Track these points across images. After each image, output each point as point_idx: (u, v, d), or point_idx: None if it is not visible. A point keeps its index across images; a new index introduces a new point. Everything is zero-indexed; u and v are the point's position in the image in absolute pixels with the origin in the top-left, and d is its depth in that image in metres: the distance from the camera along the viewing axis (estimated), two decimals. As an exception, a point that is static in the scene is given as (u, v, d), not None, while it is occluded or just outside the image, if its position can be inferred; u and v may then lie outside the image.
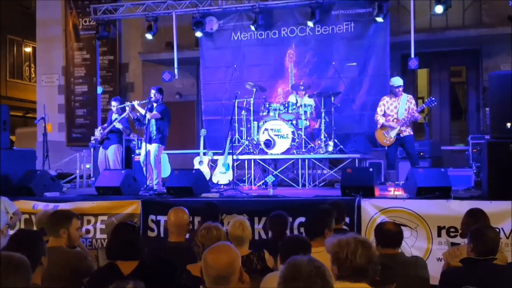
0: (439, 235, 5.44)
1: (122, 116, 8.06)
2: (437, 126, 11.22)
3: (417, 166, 7.06)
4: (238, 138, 8.92)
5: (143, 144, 7.76)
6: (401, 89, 7.48)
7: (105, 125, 8.44)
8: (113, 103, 8.27)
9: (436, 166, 8.41)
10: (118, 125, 8.05)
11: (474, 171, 7.54)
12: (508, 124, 5.80)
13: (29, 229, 3.54)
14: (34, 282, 2.37)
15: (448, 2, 8.65)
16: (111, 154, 8.12)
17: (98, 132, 8.34)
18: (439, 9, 8.78)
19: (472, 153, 7.98)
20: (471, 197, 5.94)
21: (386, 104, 7.52)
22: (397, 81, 7.54)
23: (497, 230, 3.67)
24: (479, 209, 4.12)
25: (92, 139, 8.79)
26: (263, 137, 8.31)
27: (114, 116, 8.19)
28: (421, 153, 8.59)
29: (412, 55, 8.70)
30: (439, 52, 11.07)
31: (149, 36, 10.16)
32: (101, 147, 8.22)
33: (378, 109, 7.56)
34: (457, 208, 5.28)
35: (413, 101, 7.52)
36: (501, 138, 5.82)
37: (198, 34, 10.03)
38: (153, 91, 7.77)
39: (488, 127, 6.45)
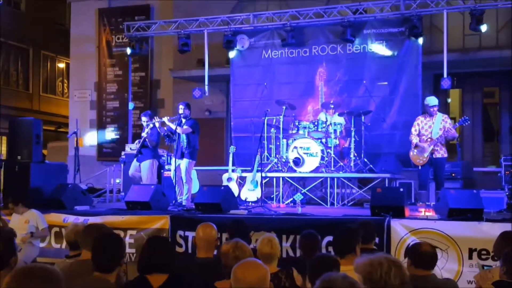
0: (470, 257, 5.32)
1: (150, 127, 8.08)
2: (469, 147, 11.01)
3: (446, 188, 6.92)
4: (267, 155, 8.93)
5: (173, 159, 7.83)
6: (435, 108, 7.36)
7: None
8: (143, 118, 8.30)
9: (468, 187, 8.24)
10: (144, 134, 8.07)
11: (507, 193, 7.35)
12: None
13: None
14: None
15: (480, 23, 8.55)
16: (145, 168, 8.05)
17: (135, 146, 8.39)
18: (484, 27, 8.66)
19: (504, 175, 7.79)
20: (504, 219, 5.79)
21: (420, 124, 7.42)
22: (432, 100, 7.43)
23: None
24: (512, 232, 4.02)
25: (122, 154, 8.95)
26: (292, 155, 8.30)
27: (146, 130, 8.23)
28: (453, 174, 8.42)
29: (445, 75, 8.61)
30: (472, 73, 10.93)
31: (180, 53, 10.34)
32: (135, 160, 8.19)
33: (413, 129, 7.47)
34: (489, 231, 5.19)
35: (449, 120, 7.39)
36: (536, 160, 5.68)
37: (232, 54, 10.14)
38: (181, 107, 7.87)
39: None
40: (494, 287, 3.23)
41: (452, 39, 9.27)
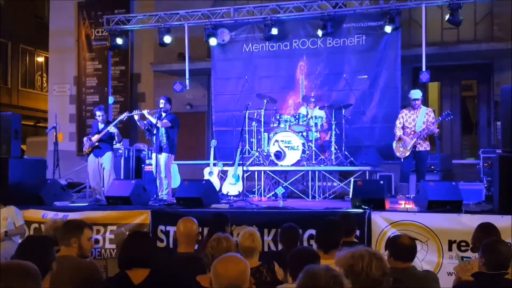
0: (449, 249, 5.40)
1: (119, 119, 7.86)
2: (448, 140, 11.17)
3: (426, 180, 7.01)
4: (248, 149, 8.94)
5: (153, 154, 7.77)
6: (418, 102, 7.42)
7: (90, 135, 8.00)
8: (98, 113, 7.91)
9: (447, 179, 8.36)
10: (113, 129, 7.73)
11: (485, 185, 7.49)
12: (520, 138, 5.76)
13: (40, 235, 3.55)
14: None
15: (457, 17, 8.63)
16: (107, 162, 7.75)
17: (86, 142, 7.86)
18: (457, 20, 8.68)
19: (483, 167, 7.92)
20: (482, 211, 5.90)
21: (404, 117, 7.48)
22: (415, 94, 7.49)
23: (509, 244, 3.63)
24: (490, 224, 4.10)
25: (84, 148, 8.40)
26: (273, 149, 8.32)
27: (101, 125, 7.87)
28: (432, 167, 8.53)
29: (424, 69, 8.69)
30: (451, 66, 11.06)
31: (161, 46, 10.25)
32: (92, 155, 7.81)
33: (397, 122, 7.53)
34: (468, 222, 5.25)
35: (432, 114, 7.45)
36: (513, 152, 5.78)
37: (212, 41, 9.93)
38: (162, 101, 7.80)
39: (499, 141, 6.41)
40: (473, 278, 3.28)
41: (430, 33, 9.36)
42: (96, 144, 7.76)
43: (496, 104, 10.12)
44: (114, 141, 7.94)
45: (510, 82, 9.76)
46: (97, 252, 6.26)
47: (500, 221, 4.83)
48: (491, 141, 10.42)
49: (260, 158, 8.69)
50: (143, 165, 8.75)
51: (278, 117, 8.65)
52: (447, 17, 8.77)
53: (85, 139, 7.94)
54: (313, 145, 8.45)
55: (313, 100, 8.90)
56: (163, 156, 7.65)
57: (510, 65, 10.45)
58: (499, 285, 3.15)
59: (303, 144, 8.26)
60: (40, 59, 20.00)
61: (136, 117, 7.89)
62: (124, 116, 7.88)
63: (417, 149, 7.33)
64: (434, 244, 5.43)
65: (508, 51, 10.17)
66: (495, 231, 3.96)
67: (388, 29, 9.04)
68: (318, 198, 8.29)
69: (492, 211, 5.83)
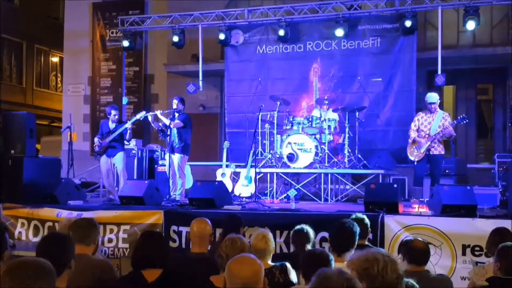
0: (463, 253, 5.35)
1: (136, 118, 7.87)
2: (462, 144, 11.06)
3: (440, 184, 6.95)
4: (261, 151, 8.93)
5: (167, 154, 7.79)
6: (434, 105, 7.33)
7: (98, 135, 7.98)
8: (113, 112, 7.88)
9: (462, 184, 8.27)
10: (129, 125, 7.74)
11: (500, 189, 7.40)
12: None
13: (60, 233, 3.57)
14: (59, 286, 2.40)
15: (478, 19, 8.56)
16: (120, 161, 7.77)
17: (97, 142, 7.85)
18: (470, 25, 8.64)
19: (498, 172, 7.83)
20: (497, 216, 5.83)
21: (420, 120, 7.42)
22: (431, 97, 7.39)
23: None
24: (505, 228, 4.07)
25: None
26: (286, 151, 8.30)
27: (112, 125, 7.87)
28: (447, 171, 8.45)
29: (439, 72, 8.62)
30: (466, 69, 10.96)
31: (175, 47, 10.30)
32: (104, 156, 7.82)
33: (412, 124, 7.47)
34: (482, 227, 5.20)
35: (449, 119, 7.35)
36: (529, 156, 5.71)
37: (222, 36, 9.89)
38: (175, 101, 7.82)
39: (515, 145, 6.35)
40: (488, 283, 3.25)
41: (446, 36, 9.29)
42: (109, 144, 7.78)
43: (511, 108, 10.00)
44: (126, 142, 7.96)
45: (526, 86, 9.68)
46: (110, 251, 6.29)
47: (515, 226, 4.75)
48: (507, 145, 10.30)
49: (272, 160, 8.68)
50: (156, 166, 8.79)
51: (291, 119, 8.63)
52: (463, 21, 8.70)
53: (96, 139, 7.94)
54: (326, 148, 8.42)
55: (326, 102, 8.87)
56: (176, 157, 7.67)
57: (527, 69, 10.36)
58: (514, 291, 3.11)
59: (316, 146, 8.24)
60: (55, 59, 20.22)
61: (150, 118, 7.91)
62: (142, 115, 7.89)
63: (431, 153, 7.26)
64: (448, 249, 5.38)
65: (525, 54, 10.07)
66: (509, 236, 3.92)
67: (403, 31, 8.99)
68: (330, 201, 8.25)
69: (506, 216, 5.75)
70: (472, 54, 10.38)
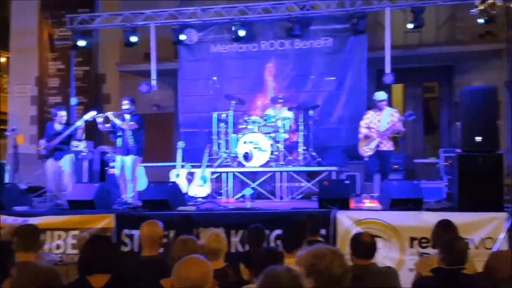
0: (411, 246, 5.56)
1: (86, 118, 7.60)
2: (410, 140, 11.43)
3: (389, 179, 7.17)
4: (216, 150, 8.91)
5: (118, 156, 7.61)
6: (383, 103, 7.56)
7: (44, 138, 7.71)
8: (60, 113, 7.64)
9: (410, 178, 8.56)
10: (81, 123, 7.46)
11: (446, 183, 7.69)
12: (478, 138, 5.97)
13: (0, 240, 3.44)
14: None
15: (420, 20, 8.87)
16: (67, 164, 7.49)
17: (43, 144, 7.53)
18: (414, 26, 8.98)
19: (443, 166, 8.14)
20: (442, 208, 6.09)
21: (370, 118, 7.61)
22: (379, 95, 7.63)
23: (467, 241, 3.76)
24: (448, 220, 4.22)
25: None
26: (241, 150, 8.32)
27: (59, 127, 7.60)
28: (396, 166, 8.71)
29: (387, 71, 8.87)
30: (414, 68, 11.31)
31: (127, 46, 10.12)
32: (51, 159, 7.52)
33: (362, 122, 7.65)
34: (428, 220, 5.36)
35: (397, 115, 7.58)
36: (471, 151, 6.00)
37: (179, 42, 9.84)
38: (125, 102, 7.59)
39: (459, 141, 6.63)
40: (432, 273, 3.37)
41: (394, 36, 9.56)
42: (55, 147, 7.51)
43: (456, 105, 10.42)
44: (72, 143, 7.69)
45: (470, 84, 10.11)
46: (59, 258, 6.11)
47: (459, 218, 4.97)
48: (452, 141, 10.73)
49: (228, 160, 8.68)
50: (107, 168, 8.59)
51: (246, 119, 8.66)
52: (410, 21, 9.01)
53: (42, 141, 7.65)
54: (281, 146, 8.50)
55: (281, 101, 8.95)
56: (129, 159, 7.49)
57: (471, 67, 10.81)
58: (456, 280, 3.25)
59: (271, 145, 8.30)
60: (2, 60, 19.41)
61: (99, 120, 7.66)
62: (91, 115, 7.62)
63: (381, 149, 7.47)
64: (397, 241, 5.57)
65: (469, 53, 10.51)
66: (453, 227, 4.09)
67: (353, 31, 9.20)
68: (286, 199, 8.35)
69: (451, 209, 6.01)
70: (419, 54, 10.74)
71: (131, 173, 7.49)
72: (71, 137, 7.60)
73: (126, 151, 7.46)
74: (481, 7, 6.80)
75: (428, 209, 5.83)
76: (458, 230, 4.10)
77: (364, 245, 3.40)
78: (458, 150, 6.33)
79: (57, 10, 12.38)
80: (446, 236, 3.66)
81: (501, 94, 6.86)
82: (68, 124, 7.71)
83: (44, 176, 8.81)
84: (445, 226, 4.11)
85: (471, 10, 7.40)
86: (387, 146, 7.50)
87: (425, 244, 5.42)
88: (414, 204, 5.85)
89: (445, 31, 10.98)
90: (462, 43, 10.55)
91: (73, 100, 10.77)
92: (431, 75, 11.80)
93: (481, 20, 7.59)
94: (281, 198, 8.36)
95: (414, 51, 10.72)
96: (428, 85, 12.23)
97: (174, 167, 8.79)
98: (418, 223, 5.56)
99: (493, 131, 6.19)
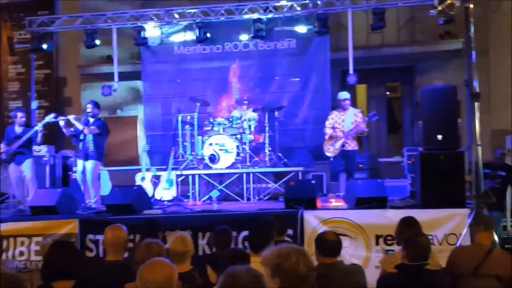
0: (377, 243, 5.64)
1: (46, 121, 7.43)
2: (375, 140, 11.63)
3: (354, 178, 7.27)
4: (182, 153, 8.82)
5: (79, 161, 7.43)
6: (347, 102, 7.66)
7: (4, 141, 7.47)
8: (19, 114, 7.45)
9: (374, 177, 8.67)
10: (40, 128, 7.32)
11: (409, 181, 7.86)
12: (439, 136, 6.11)
13: None
14: None
15: (382, 21, 9.03)
16: (28, 169, 7.31)
17: (3, 149, 7.30)
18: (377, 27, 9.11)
19: (407, 165, 8.32)
20: (406, 206, 6.21)
21: (334, 118, 7.70)
22: (342, 95, 7.74)
23: (430, 237, 3.85)
24: (411, 217, 4.30)
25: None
26: (207, 152, 8.27)
27: (19, 129, 7.41)
28: (360, 165, 8.84)
29: (351, 71, 8.99)
30: (376, 69, 11.52)
31: (88, 49, 9.90)
32: (12, 163, 7.31)
33: (327, 122, 7.73)
34: (393, 217, 5.44)
35: (360, 115, 7.70)
36: (433, 149, 6.14)
37: (136, 37, 9.66)
38: (89, 106, 7.47)
39: (421, 139, 6.78)
40: (396, 270, 3.43)
41: (356, 37, 9.71)
42: (16, 150, 7.29)
43: (418, 104, 10.67)
44: (33, 146, 7.49)
45: (431, 84, 10.35)
46: (22, 265, 5.94)
47: (422, 215, 5.08)
48: (415, 139, 10.97)
49: (194, 162, 8.61)
50: (70, 173, 8.38)
51: (211, 120, 8.62)
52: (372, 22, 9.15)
53: (2, 145, 7.40)
54: (247, 148, 8.49)
55: (246, 102, 8.95)
56: (90, 163, 7.31)
57: (431, 67, 11.09)
58: (420, 275, 3.31)
59: (237, 146, 8.29)
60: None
61: (62, 123, 7.49)
62: (51, 117, 7.44)
63: (345, 149, 7.57)
64: (363, 239, 5.65)
65: (429, 53, 10.78)
66: (415, 224, 4.17)
67: (316, 33, 9.29)
68: (253, 200, 8.33)
69: (415, 206, 6.14)
70: (381, 54, 10.94)
71: (91, 178, 7.31)
72: (31, 140, 7.38)
73: (86, 156, 7.29)
74: (440, 8, 6.99)
75: (392, 207, 5.94)
76: (422, 227, 4.19)
77: (329, 243, 3.42)
78: (420, 149, 6.47)
79: (16, 12, 12.06)
80: (409, 233, 3.72)
81: (461, 93, 7.01)
82: (28, 126, 7.50)
83: (7, 182, 8.55)
84: (408, 223, 4.19)
85: (431, 11, 7.62)
86: (352, 145, 7.61)
87: (390, 241, 5.52)
88: (379, 202, 5.95)
89: (406, 32, 11.23)
90: (422, 44, 10.80)
91: (34, 104, 10.45)
92: (393, 75, 12.04)
93: (440, 20, 7.77)
94: (248, 199, 8.34)
95: (376, 52, 10.92)
96: (391, 85, 12.48)
97: (139, 170, 8.66)
98: (383, 221, 5.66)
99: (453, 129, 6.34)
